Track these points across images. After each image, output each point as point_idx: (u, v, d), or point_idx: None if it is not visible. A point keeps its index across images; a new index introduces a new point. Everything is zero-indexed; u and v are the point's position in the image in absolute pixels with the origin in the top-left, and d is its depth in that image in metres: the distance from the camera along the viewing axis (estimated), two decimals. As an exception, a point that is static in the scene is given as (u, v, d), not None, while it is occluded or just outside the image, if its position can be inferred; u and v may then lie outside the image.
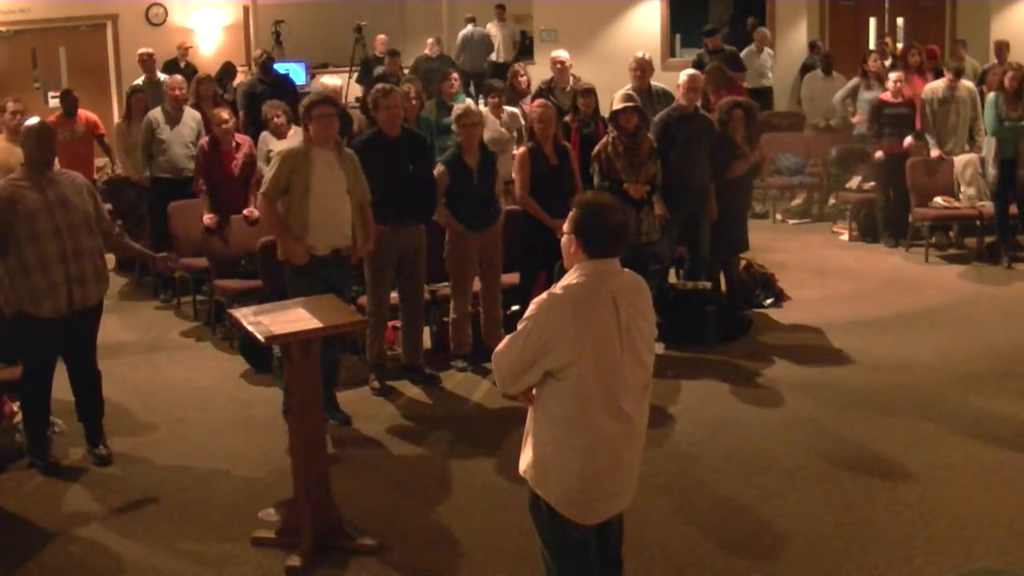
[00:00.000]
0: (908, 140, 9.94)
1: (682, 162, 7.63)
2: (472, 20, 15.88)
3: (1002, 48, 11.83)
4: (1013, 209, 9.50)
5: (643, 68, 8.89)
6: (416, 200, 6.74)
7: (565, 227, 3.53)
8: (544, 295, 3.46)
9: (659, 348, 7.49)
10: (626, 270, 3.57)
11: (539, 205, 7.22)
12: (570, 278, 3.47)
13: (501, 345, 3.52)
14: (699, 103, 8.03)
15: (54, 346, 5.64)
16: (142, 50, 11.28)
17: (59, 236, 5.42)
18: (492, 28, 15.99)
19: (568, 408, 3.42)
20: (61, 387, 5.82)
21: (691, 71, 8.13)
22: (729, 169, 7.87)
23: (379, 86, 6.97)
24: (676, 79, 8.12)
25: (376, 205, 6.34)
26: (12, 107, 8.44)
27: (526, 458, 3.57)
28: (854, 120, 11.39)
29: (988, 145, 9.48)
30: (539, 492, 3.52)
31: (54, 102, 10.25)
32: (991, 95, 9.43)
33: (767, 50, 13.53)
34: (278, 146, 7.91)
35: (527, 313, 3.44)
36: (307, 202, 5.99)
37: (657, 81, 9.10)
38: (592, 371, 3.38)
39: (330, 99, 6.35)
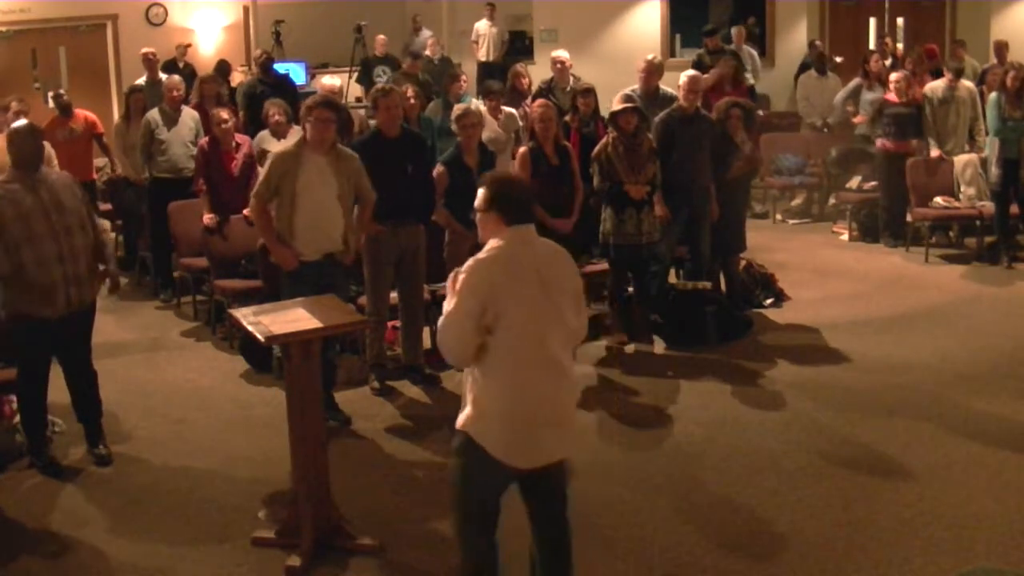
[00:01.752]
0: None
1: (683, 163, 7.63)
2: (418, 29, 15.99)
3: (1002, 48, 11.83)
4: (1014, 209, 9.50)
5: (650, 71, 8.87)
6: (415, 200, 6.73)
7: (477, 205, 3.78)
8: (469, 261, 3.70)
9: (659, 348, 7.50)
10: (543, 238, 3.86)
11: (539, 205, 7.22)
12: (491, 244, 3.73)
13: (441, 327, 3.71)
14: (699, 104, 8.02)
15: (50, 346, 5.64)
16: (145, 49, 11.29)
17: (55, 237, 5.42)
18: (482, 27, 15.99)
19: (501, 359, 3.67)
20: (61, 387, 5.82)
21: (692, 72, 8.13)
22: (728, 168, 7.86)
23: (379, 86, 6.97)
24: (676, 79, 8.12)
25: (375, 205, 6.33)
26: (15, 107, 8.44)
27: (464, 413, 3.77)
28: (855, 120, 11.39)
29: (991, 145, 9.48)
30: (477, 440, 3.71)
31: (52, 102, 10.25)
32: (993, 95, 9.43)
33: (745, 47, 13.44)
34: (275, 147, 7.89)
35: (452, 286, 3.67)
36: (294, 207, 5.96)
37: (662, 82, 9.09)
38: (520, 324, 3.64)
39: (332, 103, 6.30)
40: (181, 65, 13.12)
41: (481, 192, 3.78)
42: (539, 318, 3.68)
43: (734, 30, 13.67)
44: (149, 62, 11.14)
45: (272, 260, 6.16)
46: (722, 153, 7.83)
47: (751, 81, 13.22)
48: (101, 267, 5.79)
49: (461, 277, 3.66)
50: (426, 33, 15.77)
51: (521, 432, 3.70)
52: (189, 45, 14.41)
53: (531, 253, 3.74)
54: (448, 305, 3.69)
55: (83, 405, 5.85)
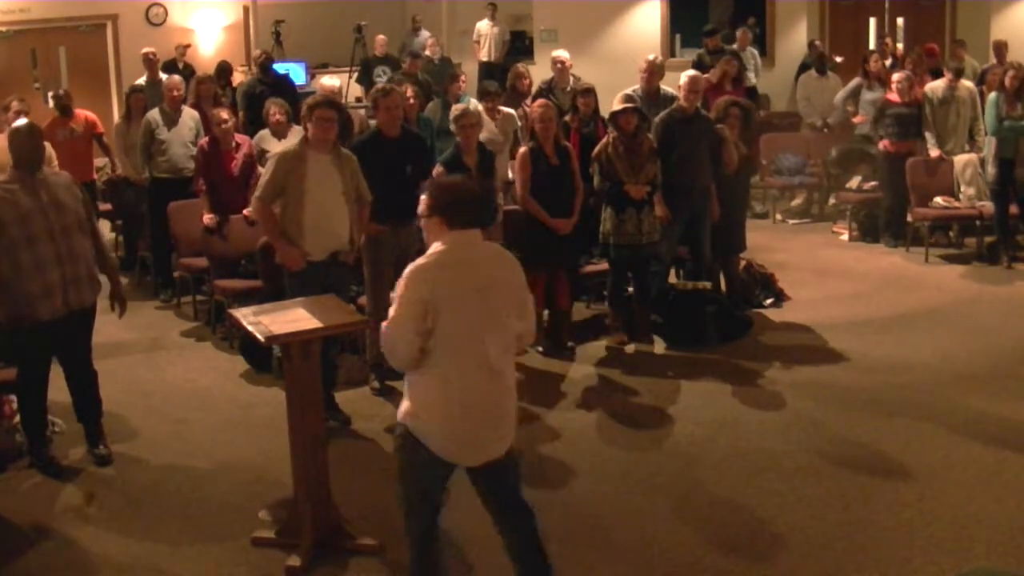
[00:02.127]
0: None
1: (684, 163, 7.63)
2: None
3: (1001, 48, 11.83)
4: (1013, 209, 9.51)
5: (652, 71, 8.88)
6: (414, 200, 6.71)
7: (421, 211, 3.87)
8: (410, 267, 3.78)
9: (659, 348, 7.50)
10: (489, 242, 3.97)
11: (540, 205, 7.23)
12: (433, 248, 3.81)
13: (384, 333, 3.80)
14: (699, 104, 8.02)
15: (48, 348, 5.63)
16: (146, 49, 11.28)
17: (53, 238, 5.41)
18: (483, 27, 16.00)
19: (440, 361, 3.75)
20: (61, 387, 5.82)
21: (692, 72, 8.13)
22: (725, 165, 7.82)
23: (379, 86, 6.96)
24: (676, 79, 8.12)
25: (374, 205, 6.34)
26: (16, 106, 8.44)
27: (404, 405, 3.87)
28: (855, 120, 11.40)
29: (988, 144, 9.49)
30: (416, 435, 3.80)
31: (52, 102, 10.26)
32: (992, 95, 9.43)
33: (749, 49, 13.52)
34: (274, 147, 7.90)
35: (397, 292, 3.75)
36: (302, 206, 5.97)
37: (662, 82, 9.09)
38: (459, 327, 3.72)
39: (333, 102, 6.32)
40: (181, 66, 13.12)
41: (424, 198, 3.86)
42: (478, 321, 3.75)
43: (739, 32, 13.69)
44: (149, 62, 11.15)
45: (277, 260, 6.16)
46: (718, 151, 7.82)
47: (753, 82, 13.27)
48: (104, 281, 5.78)
49: (402, 283, 3.74)
50: (425, 33, 15.79)
51: (459, 432, 3.79)
52: (188, 45, 14.41)
53: (473, 257, 3.82)
54: (391, 310, 3.77)
55: (83, 405, 5.85)
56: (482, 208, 3.96)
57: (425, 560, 4.02)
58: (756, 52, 13.67)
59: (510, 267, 3.94)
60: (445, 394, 3.76)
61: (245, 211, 7.86)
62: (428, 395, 3.80)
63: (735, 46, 13.39)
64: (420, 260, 3.79)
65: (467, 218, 3.82)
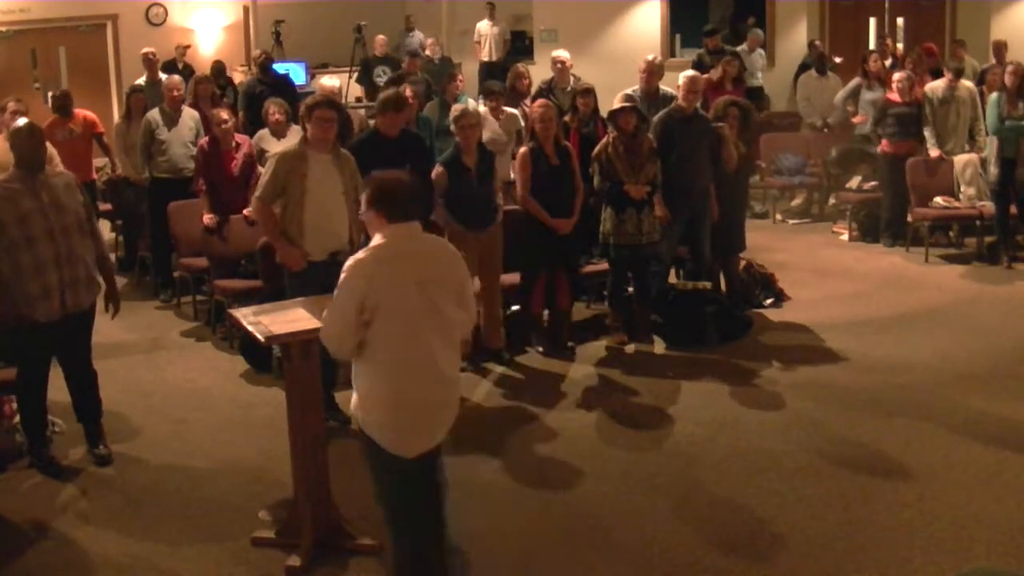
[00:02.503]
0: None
1: (683, 163, 7.63)
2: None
3: (1000, 48, 11.83)
4: (1013, 209, 9.51)
5: (651, 71, 8.90)
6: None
7: (363, 207, 3.96)
8: (350, 260, 3.87)
9: (659, 348, 7.50)
10: (431, 235, 4.07)
11: (540, 205, 7.23)
12: (373, 241, 3.90)
13: (323, 322, 3.92)
14: (698, 104, 8.02)
15: (48, 348, 5.63)
16: (146, 49, 11.28)
17: (53, 239, 5.40)
18: (483, 27, 16.01)
19: (379, 351, 3.83)
20: (61, 387, 5.82)
21: (691, 72, 8.13)
22: (723, 163, 7.81)
23: (390, 96, 6.92)
24: (676, 79, 8.11)
25: None
26: (12, 107, 8.42)
27: (353, 401, 3.97)
28: (855, 120, 11.40)
29: (990, 144, 9.48)
30: (366, 432, 3.89)
31: (51, 102, 10.27)
32: (994, 95, 9.43)
33: (759, 50, 13.57)
34: (274, 147, 7.90)
35: (339, 283, 3.84)
36: (303, 206, 5.97)
37: (661, 82, 9.09)
38: (399, 320, 3.80)
39: (333, 102, 6.32)
40: (181, 66, 13.12)
41: (364, 194, 3.98)
42: (416, 311, 3.82)
43: (749, 34, 13.73)
44: (149, 62, 11.15)
45: (277, 260, 6.16)
46: (717, 151, 7.82)
47: (760, 82, 13.30)
48: (102, 284, 5.78)
49: (343, 275, 3.84)
50: (418, 33, 15.80)
51: (400, 423, 3.86)
52: (189, 46, 14.42)
53: (413, 250, 3.91)
54: (334, 299, 3.89)
55: (83, 405, 5.85)
56: (418, 202, 4.06)
57: (416, 535, 3.98)
58: (763, 53, 13.71)
59: (451, 259, 4.01)
60: (384, 385, 3.85)
61: (245, 211, 7.86)
62: (370, 387, 3.89)
63: (744, 47, 13.44)
64: (359, 254, 3.90)
65: (404, 211, 3.91)
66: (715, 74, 11.01)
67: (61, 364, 5.78)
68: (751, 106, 8.53)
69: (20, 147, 5.47)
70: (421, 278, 3.85)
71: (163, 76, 10.61)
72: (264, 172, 6.26)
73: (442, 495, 4.06)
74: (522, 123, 8.93)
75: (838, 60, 13.31)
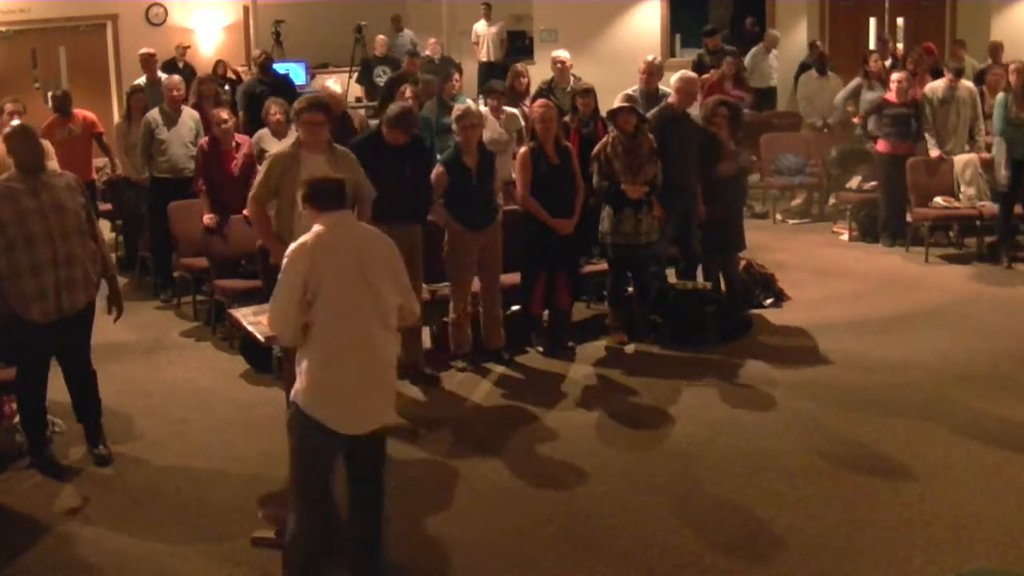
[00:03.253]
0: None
1: (675, 163, 7.62)
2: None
3: (997, 48, 11.80)
4: (1017, 209, 9.50)
5: (651, 72, 8.91)
6: (414, 200, 6.73)
7: (299, 206, 4.36)
8: (291, 245, 4.14)
9: (659, 348, 7.50)
10: (365, 224, 4.41)
11: (540, 205, 7.23)
12: (312, 230, 4.14)
13: (269, 308, 4.17)
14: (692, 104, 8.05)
15: (45, 348, 5.63)
16: (144, 50, 11.28)
17: (51, 241, 5.40)
18: (480, 28, 16.01)
19: (320, 332, 4.06)
20: (61, 387, 5.82)
21: (687, 74, 8.13)
22: (716, 167, 7.82)
23: (400, 111, 6.90)
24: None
25: (374, 204, 6.33)
26: (10, 108, 8.43)
27: (296, 384, 4.16)
28: (855, 120, 11.40)
29: (998, 146, 9.45)
30: (305, 410, 4.09)
31: (51, 102, 10.27)
32: (1000, 95, 9.41)
33: (774, 51, 13.59)
34: (274, 147, 7.88)
35: (283, 267, 4.09)
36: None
37: (661, 82, 9.10)
38: (336, 298, 4.03)
39: (321, 105, 6.28)
40: (181, 65, 13.12)
41: (300, 193, 4.32)
42: (354, 293, 4.07)
43: (765, 35, 13.81)
44: (147, 63, 11.12)
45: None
46: (709, 152, 7.81)
47: (775, 83, 13.31)
48: (104, 285, 5.78)
49: (286, 259, 4.11)
50: (408, 33, 15.79)
51: (341, 399, 4.08)
52: (188, 46, 14.41)
53: (348, 235, 4.18)
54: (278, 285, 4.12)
55: (83, 405, 5.84)
56: (343, 193, 4.31)
57: (313, 516, 4.22)
58: (777, 54, 13.72)
59: (385, 246, 4.27)
60: (325, 363, 4.06)
61: (245, 211, 7.85)
62: (311, 367, 4.08)
63: (761, 47, 13.46)
64: (301, 238, 4.14)
65: (332, 202, 4.20)
66: (715, 74, 11.01)
67: (60, 364, 5.78)
68: (739, 106, 8.52)
69: (16, 150, 5.49)
70: (358, 261, 4.10)
71: (162, 76, 10.61)
72: (259, 172, 6.27)
73: (370, 485, 4.30)
74: (522, 123, 8.94)
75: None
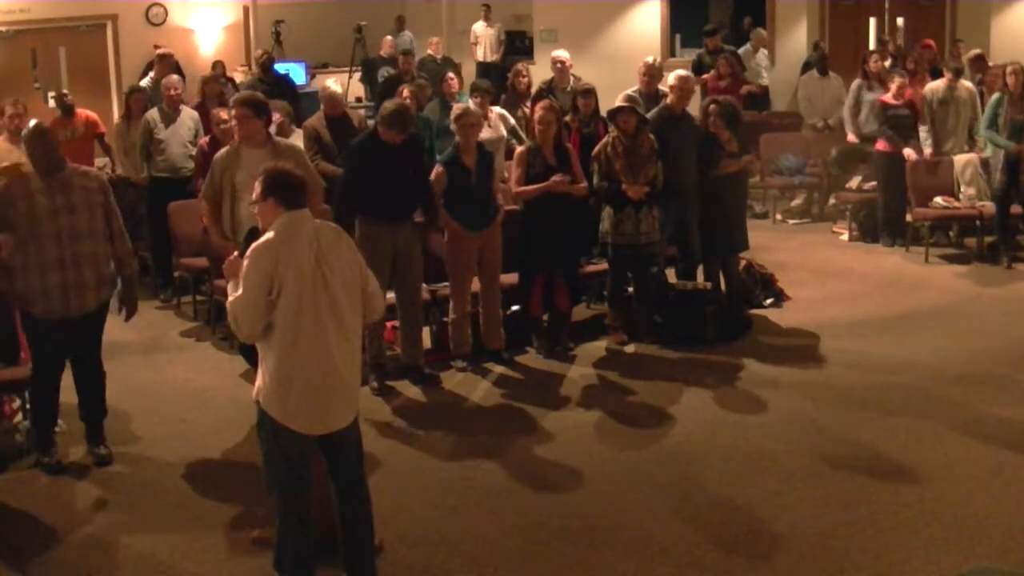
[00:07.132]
0: (909, 152, 9.90)
1: (674, 163, 7.62)
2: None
3: (981, 60, 11.66)
4: (1015, 209, 9.50)
5: (651, 73, 8.92)
6: (412, 199, 6.74)
7: (255, 198, 4.18)
8: (253, 245, 4.09)
9: (659, 348, 7.50)
10: (323, 221, 4.29)
11: (540, 205, 7.23)
12: (273, 227, 4.10)
13: (232, 306, 4.07)
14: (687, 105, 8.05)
15: (55, 347, 5.63)
16: (162, 49, 11.21)
17: (59, 241, 5.44)
18: (479, 28, 16.02)
19: (280, 331, 4.04)
20: (62, 388, 5.81)
21: (682, 72, 8.14)
22: (716, 167, 7.81)
23: (394, 108, 6.91)
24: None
25: (371, 204, 6.33)
26: (11, 109, 8.43)
27: (257, 383, 4.16)
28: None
29: (993, 150, 9.46)
30: (264, 408, 4.09)
31: (54, 102, 10.27)
32: (995, 95, 9.43)
33: (763, 50, 13.60)
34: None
35: (246, 265, 4.04)
36: (235, 201, 6.06)
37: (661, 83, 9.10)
38: (297, 296, 4.02)
39: (250, 101, 6.36)
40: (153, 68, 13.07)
41: (257, 185, 4.19)
42: (315, 290, 4.06)
43: (752, 34, 13.79)
44: (162, 59, 11.02)
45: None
46: (707, 151, 7.81)
47: (766, 82, 13.31)
48: (118, 284, 5.79)
49: (246, 261, 4.06)
50: (408, 33, 15.79)
51: (302, 399, 4.07)
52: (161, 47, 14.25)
53: (307, 232, 4.12)
54: (238, 287, 4.07)
55: (88, 405, 5.83)
56: (305, 192, 4.28)
57: (292, 515, 4.21)
58: (767, 53, 13.74)
59: (344, 243, 4.26)
60: (284, 362, 4.05)
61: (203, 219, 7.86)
62: (271, 366, 4.08)
63: (748, 47, 13.45)
64: (263, 238, 4.09)
65: (296, 199, 4.15)
66: (721, 70, 11.02)
67: (70, 363, 5.78)
68: (735, 103, 8.52)
69: (31, 152, 5.55)
70: (320, 259, 4.08)
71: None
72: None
73: (349, 472, 4.32)
74: (512, 121, 8.99)
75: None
